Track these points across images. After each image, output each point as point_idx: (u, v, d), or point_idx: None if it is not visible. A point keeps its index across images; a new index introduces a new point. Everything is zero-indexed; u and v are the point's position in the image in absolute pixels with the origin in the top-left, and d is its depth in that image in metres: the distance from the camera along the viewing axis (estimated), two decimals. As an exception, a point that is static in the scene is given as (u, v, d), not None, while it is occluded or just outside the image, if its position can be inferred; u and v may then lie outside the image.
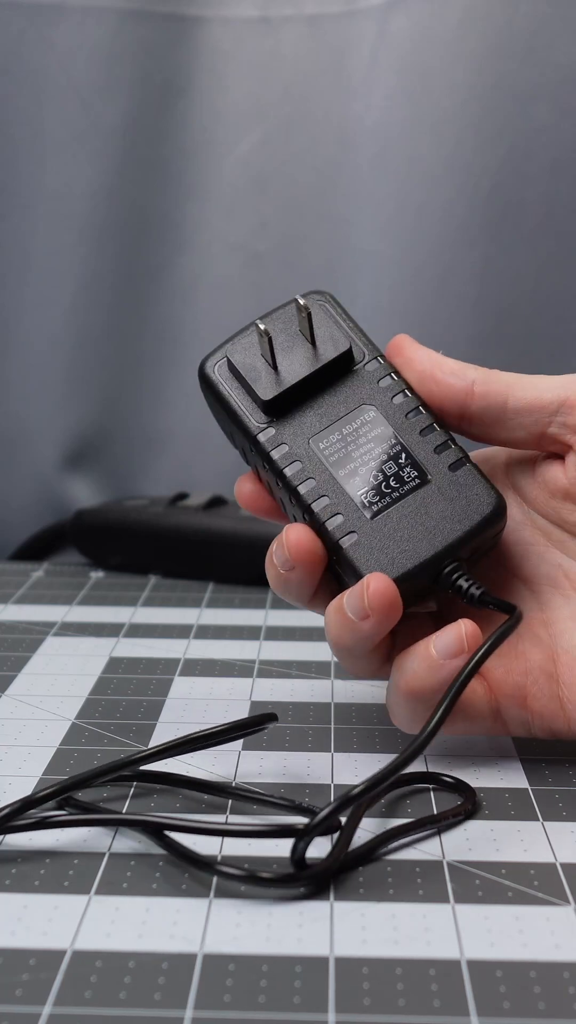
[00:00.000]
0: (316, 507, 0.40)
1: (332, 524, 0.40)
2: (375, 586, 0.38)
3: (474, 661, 0.37)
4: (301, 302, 0.41)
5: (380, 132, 0.69)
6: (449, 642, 0.38)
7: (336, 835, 0.35)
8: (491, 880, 0.34)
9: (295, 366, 0.41)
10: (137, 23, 0.70)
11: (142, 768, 0.40)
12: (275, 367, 0.41)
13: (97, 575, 0.68)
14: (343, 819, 0.35)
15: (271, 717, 0.41)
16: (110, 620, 0.59)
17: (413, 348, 0.42)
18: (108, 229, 0.73)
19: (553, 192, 0.68)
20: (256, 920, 0.33)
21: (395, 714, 0.41)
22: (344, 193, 0.71)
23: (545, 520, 0.42)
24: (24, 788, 0.40)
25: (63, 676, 0.51)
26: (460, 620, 0.39)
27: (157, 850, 0.36)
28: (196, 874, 0.35)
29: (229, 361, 0.42)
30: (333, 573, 0.41)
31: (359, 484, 0.40)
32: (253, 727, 0.40)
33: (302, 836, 0.34)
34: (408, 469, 0.40)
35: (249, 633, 0.57)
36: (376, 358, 0.42)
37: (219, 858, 0.35)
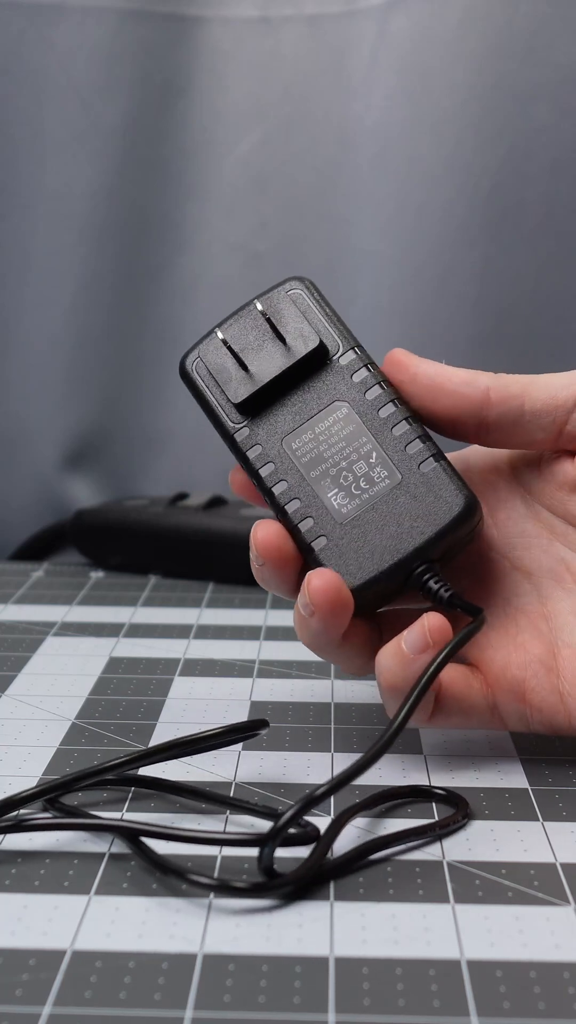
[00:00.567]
0: (289, 509, 0.41)
1: (304, 527, 0.40)
2: (316, 583, 0.39)
3: (436, 664, 0.38)
4: (259, 308, 0.42)
5: (380, 132, 0.69)
6: (415, 638, 0.39)
7: (314, 845, 0.35)
8: (491, 880, 0.34)
9: (266, 365, 0.41)
10: (137, 23, 0.70)
11: (127, 773, 0.39)
12: (246, 368, 0.42)
13: (97, 575, 0.68)
14: (323, 829, 0.35)
15: (262, 723, 0.40)
16: (110, 620, 0.59)
17: (414, 362, 0.41)
18: (108, 229, 0.73)
19: (553, 192, 0.68)
20: (256, 920, 0.33)
21: (387, 710, 0.41)
22: (344, 193, 0.71)
23: (550, 513, 0.42)
24: (24, 788, 0.40)
25: (63, 676, 0.51)
26: (425, 615, 0.39)
27: (157, 850, 0.36)
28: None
29: (202, 361, 0.42)
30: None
31: (329, 485, 0.41)
32: (246, 732, 0.40)
33: (265, 843, 0.33)
34: (378, 469, 0.40)
35: (249, 633, 0.57)
36: (352, 349, 0.42)
37: (189, 865, 0.35)
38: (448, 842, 0.36)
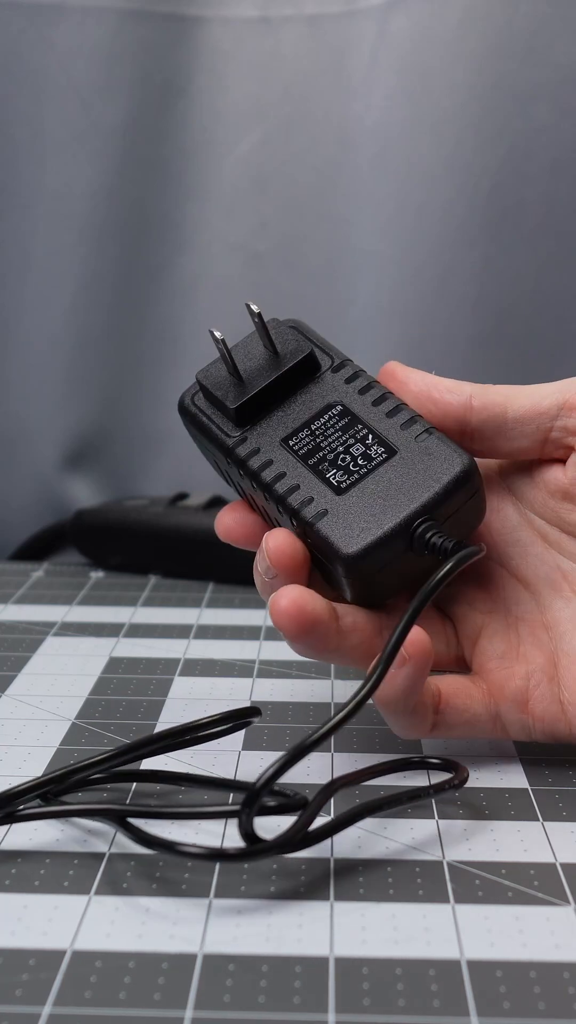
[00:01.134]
0: (289, 497, 0.41)
1: (305, 509, 0.40)
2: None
3: (433, 583, 0.37)
4: (254, 308, 0.42)
5: (380, 132, 0.69)
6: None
7: (301, 811, 0.35)
8: (491, 880, 0.34)
9: (259, 374, 0.43)
10: (137, 23, 0.70)
11: (117, 770, 0.39)
12: (240, 378, 0.43)
13: (97, 575, 0.68)
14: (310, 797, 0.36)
15: (254, 711, 0.40)
16: (110, 620, 0.59)
17: (406, 372, 0.43)
18: (108, 229, 0.73)
19: (553, 192, 0.68)
20: (256, 920, 0.33)
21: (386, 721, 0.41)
22: (344, 193, 0.71)
23: (543, 521, 0.42)
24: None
25: (63, 676, 0.51)
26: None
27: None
28: (195, 875, 0.35)
29: (200, 384, 0.43)
30: (321, 571, 0.41)
31: (328, 468, 0.41)
32: (239, 719, 0.40)
33: (243, 809, 0.33)
34: (375, 447, 0.41)
35: (249, 633, 0.57)
36: (344, 362, 0.43)
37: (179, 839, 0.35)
38: (448, 842, 0.37)
